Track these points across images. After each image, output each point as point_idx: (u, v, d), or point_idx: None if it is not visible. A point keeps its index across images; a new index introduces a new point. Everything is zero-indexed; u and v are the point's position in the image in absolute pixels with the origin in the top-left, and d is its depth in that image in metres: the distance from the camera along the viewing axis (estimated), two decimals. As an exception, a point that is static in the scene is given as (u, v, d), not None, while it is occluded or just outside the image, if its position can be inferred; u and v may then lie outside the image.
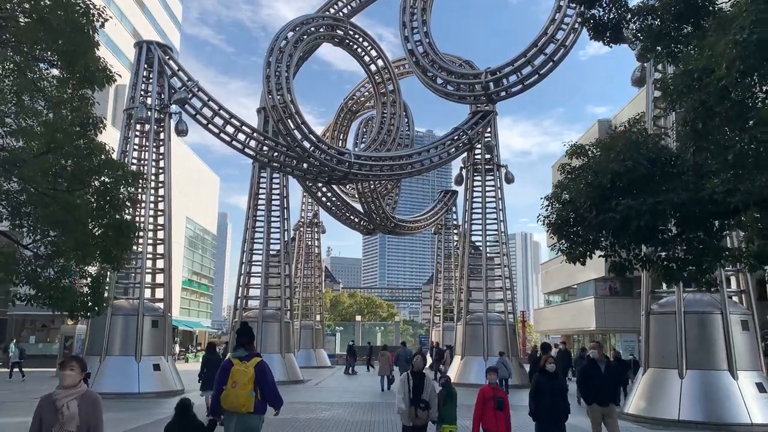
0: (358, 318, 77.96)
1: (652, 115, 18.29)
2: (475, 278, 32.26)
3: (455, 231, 48.57)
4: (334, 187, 37.64)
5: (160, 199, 24.77)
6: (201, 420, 7.46)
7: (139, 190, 10.58)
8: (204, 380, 15.26)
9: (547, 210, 9.36)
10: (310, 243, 48.40)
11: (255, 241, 31.02)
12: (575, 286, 59.73)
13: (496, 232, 31.04)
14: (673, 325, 17.26)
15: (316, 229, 48.13)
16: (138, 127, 25.03)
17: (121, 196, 9.59)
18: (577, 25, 22.00)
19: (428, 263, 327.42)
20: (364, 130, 40.67)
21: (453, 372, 29.66)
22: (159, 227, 24.60)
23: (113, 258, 9.81)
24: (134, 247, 23.25)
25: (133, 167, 24.01)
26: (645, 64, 18.97)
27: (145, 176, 10.23)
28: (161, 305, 23.87)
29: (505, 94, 23.17)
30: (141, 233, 23.47)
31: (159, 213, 24.75)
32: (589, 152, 9.43)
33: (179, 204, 63.61)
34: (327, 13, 29.50)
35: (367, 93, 41.30)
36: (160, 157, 24.98)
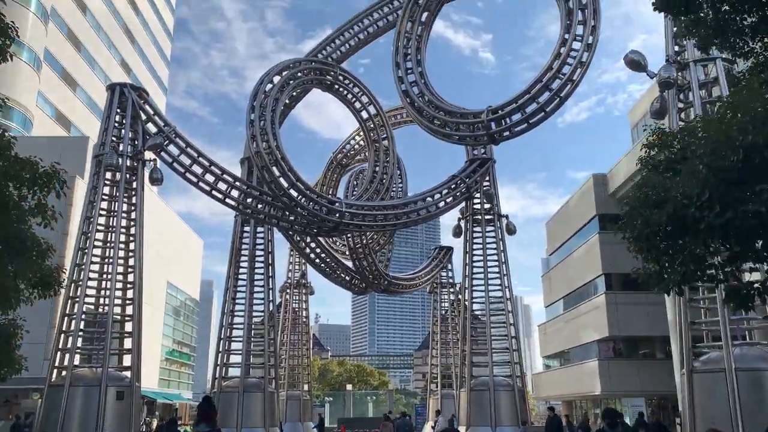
0: (349, 387, 74.00)
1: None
2: (476, 339, 29.65)
3: (452, 290, 46.07)
4: (324, 242, 35.33)
5: (131, 254, 22.31)
6: None
7: (56, 196, 8.41)
8: None
9: (628, 222, 7.09)
10: (297, 306, 45.62)
11: (237, 302, 28.41)
12: (577, 348, 56.92)
13: (500, 287, 28.73)
14: (722, 385, 14.84)
15: (303, 291, 45.46)
16: (109, 176, 22.85)
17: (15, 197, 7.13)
18: (585, 58, 20.45)
19: (419, 327, 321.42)
20: (355, 182, 38.76)
21: (457, 444, 26.63)
22: (129, 285, 22.02)
23: (9, 289, 7.31)
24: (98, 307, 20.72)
25: (101, 219, 21.77)
26: (665, 94, 17.17)
27: (61, 178, 8.01)
28: (129, 374, 21.02)
29: (509, 133, 21.37)
30: (106, 289, 20.97)
31: (129, 270, 22.24)
32: (698, 129, 7.15)
33: (160, 268, 60.75)
34: (316, 57, 28.05)
35: (357, 146, 39.64)
36: (132, 208, 22.69)
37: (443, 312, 46.55)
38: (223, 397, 25.82)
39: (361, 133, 38.84)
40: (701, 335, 17.95)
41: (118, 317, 22.05)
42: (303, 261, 45.15)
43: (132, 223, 22.48)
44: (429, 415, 44.81)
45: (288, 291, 45.24)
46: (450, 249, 46.74)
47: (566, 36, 20.90)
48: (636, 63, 16.97)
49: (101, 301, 21.52)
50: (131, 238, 22.32)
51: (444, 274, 46.42)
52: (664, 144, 7.77)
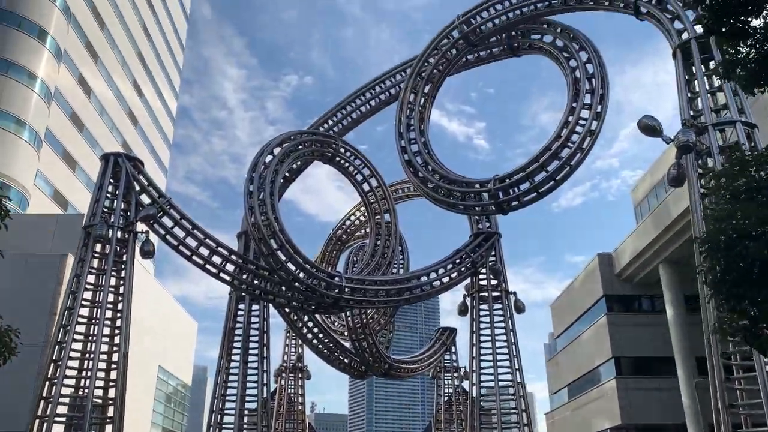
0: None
1: (700, 215, 15.42)
2: (486, 426, 27.62)
3: (456, 374, 43.96)
4: (321, 322, 33.82)
5: (116, 332, 20.86)
6: None
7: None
8: None
9: (705, 259, 5.93)
10: (292, 392, 43.34)
11: (228, 385, 26.58)
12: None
13: (509, 370, 27.01)
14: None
15: (300, 375, 43.32)
16: (98, 248, 21.76)
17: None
18: (594, 127, 19.86)
19: (419, 416, 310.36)
20: (355, 259, 37.63)
21: None
22: (113, 365, 20.43)
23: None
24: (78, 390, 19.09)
25: (88, 294, 20.52)
26: (682, 161, 16.38)
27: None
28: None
29: (518, 203, 20.50)
30: (88, 369, 19.38)
31: (114, 348, 20.72)
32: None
33: (151, 350, 58.47)
34: (318, 130, 27.63)
35: (357, 221, 38.76)
36: (121, 282, 21.45)
37: (447, 398, 44.21)
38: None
39: (362, 209, 38.10)
40: (739, 421, 16.30)
41: (100, 401, 20.34)
42: (299, 343, 43.33)
43: (120, 299, 21.17)
44: None
45: (283, 375, 43.11)
46: (453, 330, 44.99)
47: (574, 104, 20.45)
48: (650, 128, 16.32)
49: (83, 383, 19.86)
50: (118, 314, 20.93)
51: (447, 357, 44.45)
52: (742, 170, 6.71)
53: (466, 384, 45.18)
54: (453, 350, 44.55)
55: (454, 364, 44.39)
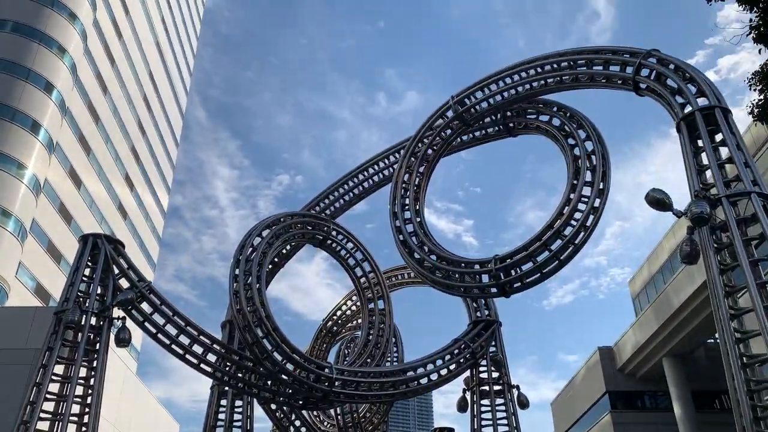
0: None
1: (722, 291, 14.28)
2: None
3: (454, 479, 40.73)
4: (310, 420, 31.48)
5: (84, 428, 18.84)
6: None
7: None
8: None
9: None
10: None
11: (207, 490, 24.09)
12: None
13: (515, 471, 24.74)
14: None
15: (286, 481, 39.96)
16: (71, 337, 20.11)
17: None
18: (597, 204, 19.07)
19: None
20: (347, 351, 35.70)
21: None
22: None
23: None
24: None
25: (55, 387, 18.72)
26: (694, 236, 15.43)
27: None
28: None
29: (520, 284, 19.30)
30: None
31: (80, 443, 18.63)
32: None
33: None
34: (309, 212, 26.73)
35: (349, 311, 37.15)
36: (92, 374, 19.67)
37: None
38: None
39: (354, 298, 36.63)
40: None
41: None
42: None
43: (89, 392, 19.31)
44: None
45: (269, 481, 39.79)
46: (452, 431, 42.18)
47: (575, 181, 19.78)
48: (660, 202, 15.48)
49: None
50: (86, 410, 19.00)
51: (445, 460, 41.36)
52: None
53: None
54: (451, 453, 41.56)
55: (453, 468, 41.25)
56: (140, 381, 61.91)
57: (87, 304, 20.01)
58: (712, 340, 49.74)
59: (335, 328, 38.12)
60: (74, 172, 65.30)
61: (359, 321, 35.26)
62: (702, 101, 16.77)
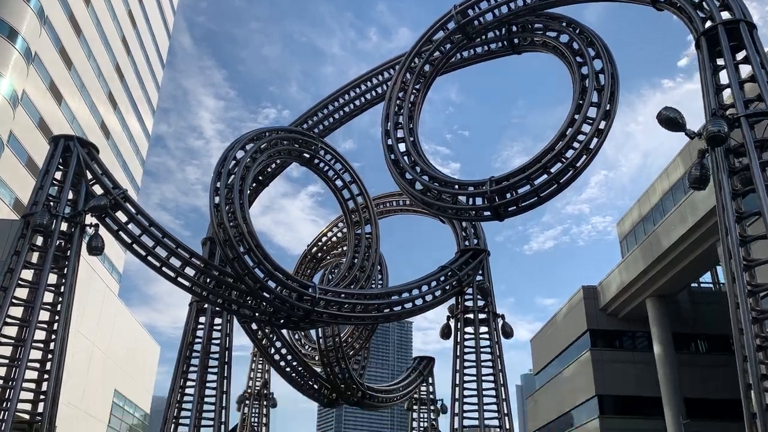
0: None
1: (733, 216, 13.40)
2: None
3: (432, 407, 41.16)
4: (290, 342, 31.16)
5: (51, 338, 18.07)
6: None
7: None
8: None
9: None
10: (256, 423, 40.06)
11: (183, 406, 23.71)
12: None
13: (496, 400, 24.56)
14: None
15: (265, 403, 40.14)
16: (39, 242, 19.07)
17: None
18: (602, 126, 17.98)
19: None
20: (330, 276, 35.01)
21: None
22: (44, 375, 17.59)
23: None
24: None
25: (24, 294, 17.82)
26: (705, 161, 14.45)
27: None
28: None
29: (516, 208, 18.42)
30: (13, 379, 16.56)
31: (48, 358, 17.89)
32: None
33: (107, 373, 54.74)
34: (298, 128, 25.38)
35: (335, 238, 36.40)
36: (63, 281, 18.75)
37: (422, 430, 41.30)
38: None
39: (340, 224, 35.81)
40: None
41: (26, 416, 17.46)
42: (266, 369, 40.36)
43: (59, 299, 18.44)
44: None
45: (247, 403, 39.90)
46: (431, 360, 42.31)
47: (580, 101, 18.61)
48: (672, 121, 14.44)
49: (8, 394, 16.94)
50: (56, 317, 18.19)
51: (424, 388, 41.67)
52: None
53: (441, 420, 42.43)
54: (430, 381, 41.83)
55: (431, 396, 41.62)
56: (121, 302, 61.57)
57: (57, 209, 18.86)
58: (696, 284, 49.93)
59: (320, 254, 37.43)
60: (54, 87, 62.71)
61: (345, 248, 34.53)
62: (725, 15, 15.49)
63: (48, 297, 18.52)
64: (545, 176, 18.15)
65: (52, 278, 18.75)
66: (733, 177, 14.11)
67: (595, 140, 17.99)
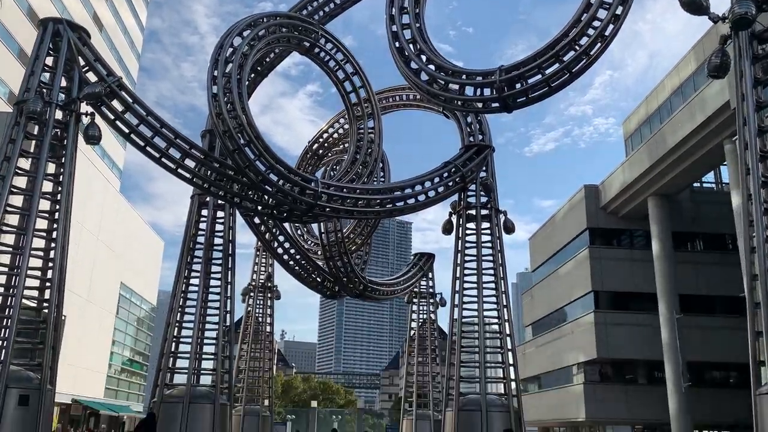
0: (314, 404, 69.23)
1: (753, 105, 12.87)
2: (465, 351, 25.78)
3: (431, 300, 42.23)
4: (293, 237, 31.38)
5: (54, 227, 18.02)
6: None
7: None
8: None
9: None
10: (260, 314, 41.15)
11: (189, 296, 24.13)
12: (559, 371, 53.44)
13: (495, 293, 24.99)
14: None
15: (269, 295, 41.11)
16: (37, 132, 18.60)
17: None
18: (619, 11, 17.00)
19: (386, 347, 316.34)
20: (332, 173, 34.89)
21: (441, 474, 22.66)
22: (49, 263, 17.70)
23: None
24: None
25: (21, 183, 17.58)
26: (726, 48, 13.68)
27: None
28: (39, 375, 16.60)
29: (525, 99, 17.81)
30: (17, 267, 16.66)
31: (51, 246, 17.92)
32: None
33: (111, 266, 55.87)
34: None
35: (336, 134, 35.81)
36: (61, 171, 18.46)
37: (421, 322, 42.63)
38: (166, 408, 21.49)
39: (341, 120, 35.12)
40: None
41: (34, 303, 17.73)
42: (269, 262, 41.00)
43: (59, 189, 18.23)
44: (401, 438, 40.73)
45: (251, 295, 40.85)
46: (431, 256, 42.97)
47: (599, -19, 17.43)
48: (695, 3, 13.56)
49: (12, 281, 17.09)
50: (57, 206, 18.05)
51: (423, 283, 42.58)
52: None
53: (441, 312, 43.65)
54: (430, 276, 42.68)
55: (431, 290, 42.59)
56: (123, 198, 61.85)
57: (50, 96, 18.25)
58: (698, 184, 49.80)
59: (321, 151, 36.98)
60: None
61: (346, 145, 34.04)
62: None
63: (47, 186, 18.32)
64: (557, 65, 17.42)
65: (52, 168, 18.46)
66: (755, 65, 13.45)
67: (611, 27, 17.09)
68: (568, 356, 51.01)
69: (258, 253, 40.63)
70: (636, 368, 48.73)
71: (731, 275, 41.85)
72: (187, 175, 20.67)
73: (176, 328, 23.29)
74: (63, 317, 37.46)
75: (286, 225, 32.36)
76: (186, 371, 22.50)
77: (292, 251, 31.02)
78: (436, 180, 24.77)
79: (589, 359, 47.69)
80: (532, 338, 60.29)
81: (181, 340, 23.70)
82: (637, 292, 46.67)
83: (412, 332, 43.13)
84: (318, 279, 32.73)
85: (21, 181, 19.12)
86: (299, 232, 35.92)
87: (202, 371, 23.94)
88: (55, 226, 17.91)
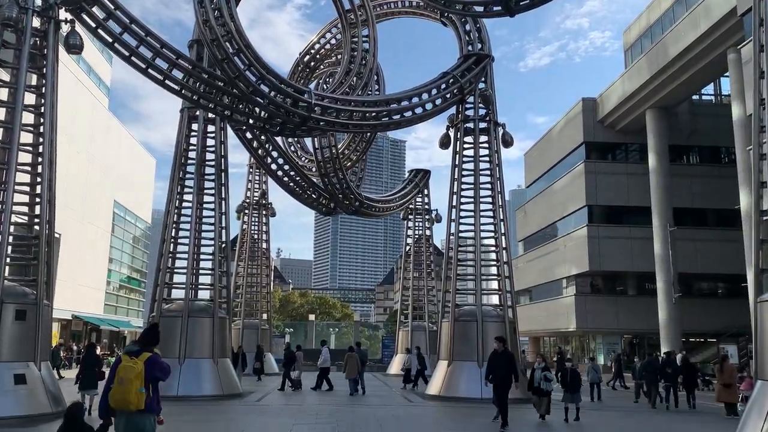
0: (312, 317, 70.80)
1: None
2: (461, 264, 25.94)
3: (427, 216, 42.29)
4: (286, 152, 30.89)
5: (40, 141, 17.43)
6: (92, 425, 7.11)
7: None
8: (82, 380, 15.37)
9: None
10: (256, 231, 41.13)
11: (183, 212, 23.89)
12: (550, 283, 54.45)
13: (492, 206, 24.84)
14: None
15: (264, 212, 41.00)
16: (14, 40, 17.65)
17: None
18: None
19: (381, 263, 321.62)
20: (325, 86, 33.93)
21: (437, 381, 23.27)
22: (37, 178, 17.25)
23: None
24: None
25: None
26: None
27: None
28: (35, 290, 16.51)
29: (529, 2, 16.88)
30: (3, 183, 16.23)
31: (38, 160, 17.39)
32: None
33: (105, 183, 55.39)
34: None
35: (328, 45, 34.59)
36: (43, 82, 17.68)
37: (416, 238, 42.88)
38: (165, 323, 21.64)
39: (333, 30, 33.84)
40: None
41: (25, 218, 17.43)
42: (263, 179, 40.63)
43: (42, 101, 17.51)
44: (397, 348, 41.82)
45: (246, 212, 40.70)
46: (427, 172, 42.69)
47: None
48: None
49: (2, 197, 16.67)
50: (41, 120, 17.40)
51: (419, 199, 42.51)
52: None
53: (435, 228, 43.86)
54: (425, 192, 42.55)
55: (426, 206, 42.57)
56: (113, 115, 60.49)
57: (26, 2, 17.19)
58: (697, 97, 48.99)
59: (312, 63, 35.83)
60: None
61: (339, 56, 32.93)
62: None
63: (30, 99, 17.59)
64: (562, -35, 16.38)
65: (34, 80, 17.68)
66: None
67: None
68: (560, 269, 51.80)
69: (251, 170, 40.17)
70: (626, 280, 49.65)
71: (725, 188, 41.90)
72: (175, 87, 19.90)
73: (171, 244, 23.18)
74: (58, 235, 37.46)
75: (279, 141, 31.77)
76: (183, 286, 22.59)
77: (286, 167, 30.60)
78: (434, 92, 24.05)
79: (580, 272, 48.44)
80: (524, 253, 61.01)
81: (178, 256, 23.69)
82: (630, 206, 46.83)
83: (408, 248, 43.43)
84: (313, 196, 32.50)
85: (2, 94, 18.44)
86: (293, 148, 35.36)
87: (200, 286, 24.08)
88: (41, 140, 17.32)
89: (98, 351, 18.70)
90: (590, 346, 51.92)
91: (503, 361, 14.63)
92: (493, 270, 25.39)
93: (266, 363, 34.85)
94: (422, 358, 28.51)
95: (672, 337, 39.68)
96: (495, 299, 26.79)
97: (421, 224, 42.62)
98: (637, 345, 48.75)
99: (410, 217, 42.68)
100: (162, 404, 7.08)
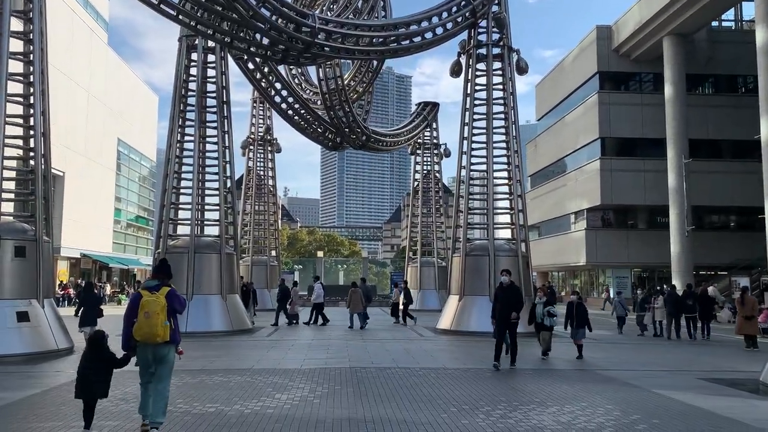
0: (320, 254, 70.86)
1: None
2: (472, 198, 25.29)
3: (435, 151, 41.37)
4: (289, 81, 29.81)
5: (30, 71, 16.54)
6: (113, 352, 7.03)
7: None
8: (81, 317, 15.58)
9: None
10: (261, 168, 40.36)
11: (185, 146, 23.16)
12: (561, 218, 53.89)
13: (506, 137, 23.95)
14: None
15: (269, 148, 40.16)
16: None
17: None
18: None
19: (388, 201, 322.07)
20: (329, 13, 32.37)
21: (448, 316, 23.02)
22: (30, 110, 16.45)
23: None
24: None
25: None
26: None
27: None
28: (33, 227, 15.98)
29: None
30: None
31: (30, 93, 16.55)
32: None
33: (108, 122, 54.40)
34: None
35: (331, -31, 32.76)
36: (30, 7, 16.63)
37: (424, 173, 42.10)
38: (171, 258, 21.22)
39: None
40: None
41: (20, 151, 16.77)
42: (268, 114, 39.61)
43: (30, 48, 16.50)
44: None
45: (251, 148, 39.88)
46: (436, 105, 41.48)
47: None
48: None
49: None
50: (30, 68, 16.44)
51: (428, 133, 41.47)
52: None
53: (443, 164, 42.94)
54: (434, 126, 41.47)
55: (435, 141, 41.57)
56: (112, 51, 58.83)
57: None
58: (717, 23, 46.93)
59: (316, -10, 34.10)
60: None
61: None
62: None
63: (18, 25, 16.63)
64: None
65: (21, 5, 16.62)
66: None
67: None
68: (571, 204, 51.10)
69: (255, 104, 39.10)
70: (638, 214, 48.98)
71: (742, 118, 40.59)
72: (171, 12, 18.73)
73: (175, 179, 22.56)
74: (61, 173, 36.76)
75: (283, 72, 30.64)
76: (189, 222, 22.11)
77: (291, 100, 29.59)
78: (444, 15, 22.77)
79: (592, 206, 47.74)
80: (534, 188, 60.20)
81: (182, 191, 23.10)
82: (644, 138, 45.65)
83: (416, 183, 42.73)
84: (319, 129, 31.59)
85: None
86: (297, 80, 34.20)
87: (206, 223, 23.61)
88: (31, 69, 16.43)
89: (95, 290, 18.59)
90: (599, 280, 51.79)
91: (511, 296, 13.40)
92: (505, 204, 24.73)
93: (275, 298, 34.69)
94: (408, 292, 27.37)
95: (683, 270, 39.28)
96: (503, 234, 26.19)
97: (429, 159, 41.75)
98: (647, 278, 48.56)
99: (418, 151, 41.79)
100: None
